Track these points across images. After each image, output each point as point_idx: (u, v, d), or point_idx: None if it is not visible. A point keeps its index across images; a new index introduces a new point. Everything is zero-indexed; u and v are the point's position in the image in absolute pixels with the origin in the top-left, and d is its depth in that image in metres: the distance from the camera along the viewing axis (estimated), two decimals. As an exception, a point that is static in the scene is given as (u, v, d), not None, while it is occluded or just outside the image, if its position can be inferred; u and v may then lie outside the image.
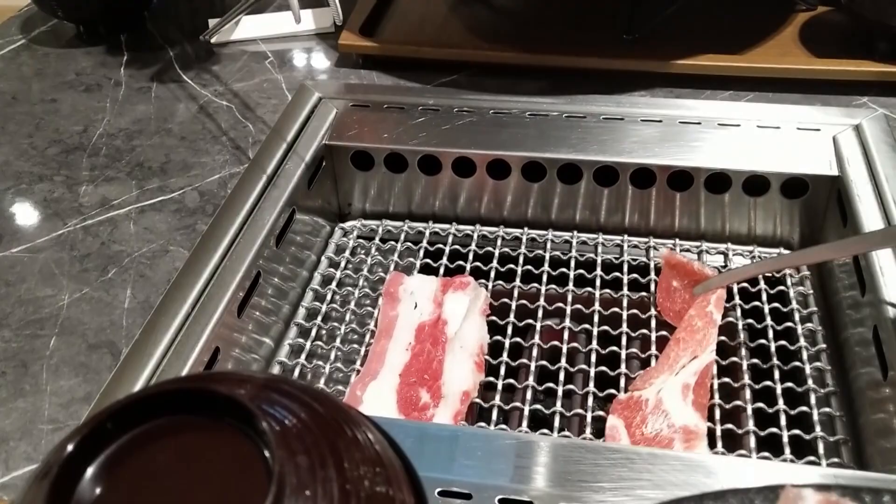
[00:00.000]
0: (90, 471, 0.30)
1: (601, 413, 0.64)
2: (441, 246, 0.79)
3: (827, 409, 0.63)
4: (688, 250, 0.77)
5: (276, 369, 0.69)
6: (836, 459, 0.59)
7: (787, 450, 0.59)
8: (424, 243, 0.79)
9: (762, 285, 0.72)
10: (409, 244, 0.80)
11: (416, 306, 0.72)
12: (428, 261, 0.78)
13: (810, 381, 0.64)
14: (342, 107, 0.83)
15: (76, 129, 0.84)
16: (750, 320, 0.70)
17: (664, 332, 0.69)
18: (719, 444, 0.61)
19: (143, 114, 0.85)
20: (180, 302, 0.61)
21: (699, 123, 0.78)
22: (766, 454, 0.59)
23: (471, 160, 0.78)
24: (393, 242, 0.80)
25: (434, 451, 0.51)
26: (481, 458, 0.50)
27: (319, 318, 0.72)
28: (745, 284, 0.73)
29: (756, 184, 0.74)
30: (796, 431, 0.60)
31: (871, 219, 0.67)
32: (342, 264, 0.78)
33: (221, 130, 0.80)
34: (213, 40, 0.98)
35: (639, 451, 0.52)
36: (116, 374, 0.57)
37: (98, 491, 0.29)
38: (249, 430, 0.31)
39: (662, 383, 0.64)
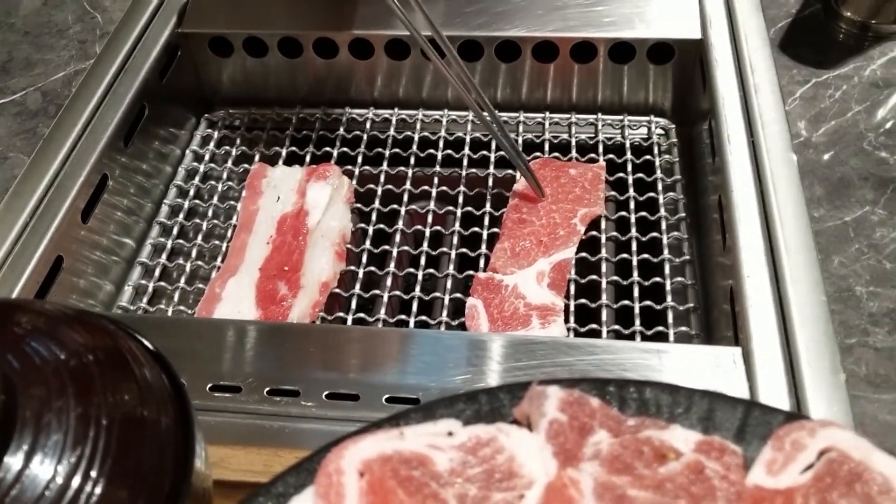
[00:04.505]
0: None
1: (459, 295, 0.64)
2: (308, 132, 0.77)
3: (680, 279, 0.63)
4: (557, 123, 0.76)
5: (136, 271, 0.68)
6: (684, 328, 0.61)
7: (637, 321, 0.60)
8: (291, 130, 0.77)
9: (629, 156, 0.72)
10: (276, 132, 0.77)
11: (278, 199, 0.70)
12: (294, 149, 0.76)
13: (666, 252, 0.65)
14: (197, -9, 0.78)
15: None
16: (613, 192, 0.70)
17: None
18: (572, 319, 0.62)
19: (-15, 8, 0.80)
20: (17, 212, 0.60)
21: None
22: (617, 327, 0.60)
23: (332, 41, 0.75)
24: (259, 132, 0.78)
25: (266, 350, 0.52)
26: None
27: (182, 214, 0.71)
28: (611, 156, 0.72)
29: (622, 51, 0.73)
30: (648, 302, 0.61)
31: (726, 84, 0.65)
32: (206, 157, 0.76)
33: (68, 23, 0.76)
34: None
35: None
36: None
37: None
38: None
39: (519, 270, 0.64)
